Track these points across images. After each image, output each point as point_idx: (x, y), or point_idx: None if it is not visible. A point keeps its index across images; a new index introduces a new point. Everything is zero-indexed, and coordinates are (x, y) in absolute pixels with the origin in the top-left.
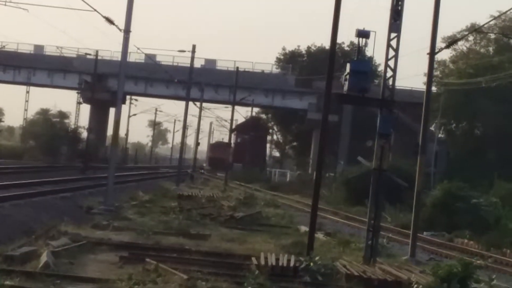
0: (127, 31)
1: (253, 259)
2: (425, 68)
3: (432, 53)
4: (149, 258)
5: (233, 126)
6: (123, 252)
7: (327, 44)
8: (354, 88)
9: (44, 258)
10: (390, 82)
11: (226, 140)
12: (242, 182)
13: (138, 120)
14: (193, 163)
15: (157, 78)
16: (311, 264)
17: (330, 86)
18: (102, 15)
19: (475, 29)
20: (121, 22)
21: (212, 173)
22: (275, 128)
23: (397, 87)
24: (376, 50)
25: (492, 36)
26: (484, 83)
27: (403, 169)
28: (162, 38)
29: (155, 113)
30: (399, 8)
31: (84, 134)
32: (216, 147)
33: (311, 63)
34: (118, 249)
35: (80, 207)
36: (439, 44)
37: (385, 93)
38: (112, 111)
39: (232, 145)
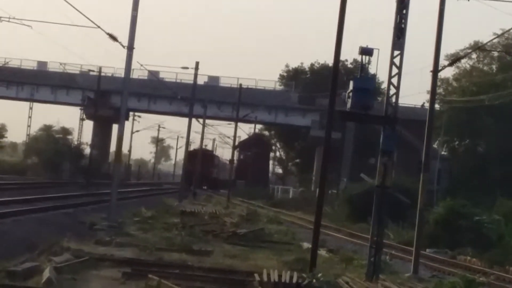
0: (130, 47)
1: (256, 275)
2: (428, 85)
3: (435, 70)
4: (151, 274)
5: (236, 143)
6: (126, 268)
7: (330, 61)
8: (357, 106)
9: (46, 274)
10: (393, 99)
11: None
12: (245, 199)
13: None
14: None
15: (160, 94)
16: (314, 280)
17: (333, 103)
18: (105, 32)
19: (478, 47)
20: (124, 38)
21: (190, 192)
22: (278, 145)
23: (400, 105)
24: (379, 68)
25: (495, 54)
26: (487, 101)
27: (406, 186)
28: (165, 55)
29: (158, 130)
30: (402, 26)
31: (87, 151)
32: (194, 156)
33: (314, 80)
34: (121, 265)
35: (83, 223)
36: (442, 62)
37: (388, 110)
38: (115, 127)
39: (235, 161)
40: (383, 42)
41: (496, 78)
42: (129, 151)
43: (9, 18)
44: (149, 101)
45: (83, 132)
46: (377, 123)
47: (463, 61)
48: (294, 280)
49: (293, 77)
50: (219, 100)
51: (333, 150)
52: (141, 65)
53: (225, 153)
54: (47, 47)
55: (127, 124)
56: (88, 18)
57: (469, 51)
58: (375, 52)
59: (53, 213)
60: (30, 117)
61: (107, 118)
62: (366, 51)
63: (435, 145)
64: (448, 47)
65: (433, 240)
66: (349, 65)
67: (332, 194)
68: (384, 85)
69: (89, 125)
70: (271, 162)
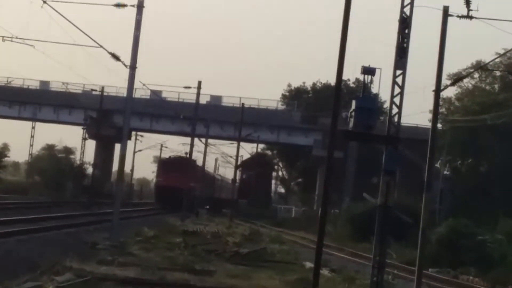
0: (133, 67)
1: None
2: (430, 105)
3: (438, 90)
4: None
5: (239, 163)
6: None
7: (332, 81)
8: (359, 125)
9: None
10: (396, 119)
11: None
12: (247, 218)
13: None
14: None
15: (162, 114)
16: None
17: (335, 122)
18: (108, 51)
19: (480, 67)
20: (127, 58)
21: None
22: (280, 164)
23: (402, 124)
24: (381, 87)
25: (498, 73)
26: (489, 120)
27: (408, 206)
28: (167, 74)
29: (161, 149)
30: (405, 45)
31: (90, 170)
32: (170, 167)
33: (316, 100)
34: (123, 284)
35: (85, 242)
36: (445, 81)
37: (390, 129)
38: (117, 147)
39: (237, 181)
40: (385, 62)
41: (498, 97)
42: (132, 170)
43: (12, 37)
44: (152, 120)
45: (86, 151)
46: (380, 142)
47: (465, 80)
48: None
49: (295, 96)
50: (222, 119)
51: (335, 170)
52: (144, 85)
53: (227, 172)
54: (50, 66)
55: (130, 144)
56: (90, 38)
57: (472, 70)
58: (377, 72)
59: (56, 232)
60: (32, 136)
61: (110, 138)
62: (368, 71)
63: (437, 165)
64: (450, 67)
65: (435, 260)
66: (351, 85)
67: (334, 214)
68: (387, 105)
69: (91, 144)
70: (273, 181)
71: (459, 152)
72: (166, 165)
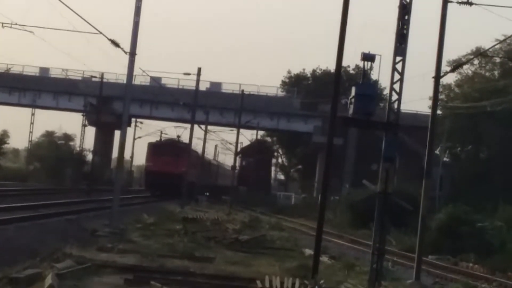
0: (132, 53)
1: (258, 282)
2: (430, 91)
3: (438, 76)
4: (154, 281)
5: (238, 149)
6: (128, 275)
7: (332, 68)
8: (359, 112)
9: (48, 280)
10: (395, 105)
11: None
12: (247, 205)
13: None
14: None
15: (162, 100)
16: (316, 287)
17: (335, 109)
18: (107, 38)
19: (480, 53)
20: (126, 44)
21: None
22: (280, 151)
23: (402, 111)
24: (381, 74)
25: (497, 60)
26: (489, 107)
27: (408, 193)
28: (167, 61)
29: (160, 136)
30: (404, 31)
31: (89, 157)
32: (160, 151)
33: (316, 86)
34: (123, 271)
35: (85, 229)
36: (444, 68)
37: (390, 116)
38: (117, 133)
39: (237, 168)
40: (385, 48)
41: (498, 84)
42: (131, 157)
43: (11, 24)
44: (151, 107)
45: (85, 138)
46: (379, 129)
47: (465, 67)
48: (297, 286)
49: (295, 83)
50: (221, 106)
51: (335, 156)
52: (143, 71)
53: (227, 159)
54: (49, 53)
55: (129, 131)
56: (90, 24)
57: (471, 57)
58: (377, 58)
59: (56, 219)
60: (32, 123)
61: (109, 124)
62: (368, 57)
63: (437, 151)
64: (450, 53)
65: (435, 247)
66: (351, 71)
67: (334, 201)
68: (386, 91)
69: (91, 131)
70: (273, 168)
71: (459, 138)
72: (156, 149)
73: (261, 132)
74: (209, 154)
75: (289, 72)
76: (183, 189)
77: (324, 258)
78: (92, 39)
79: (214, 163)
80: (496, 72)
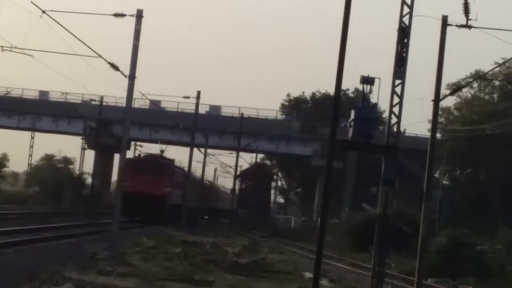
0: (132, 77)
1: None
2: (429, 114)
3: (437, 100)
4: None
5: (238, 172)
6: None
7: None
8: (358, 135)
9: None
10: (395, 128)
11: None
12: (247, 228)
13: None
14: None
15: (161, 124)
16: None
17: (334, 132)
18: (107, 61)
19: (479, 76)
20: (126, 68)
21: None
22: (279, 174)
23: (401, 134)
24: (380, 97)
25: (497, 83)
26: (488, 130)
27: (407, 215)
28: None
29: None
30: (404, 55)
31: (89, 180)
32: (139, 169)
33: (315, 110)
34: None
35: (85, 253)
36: (444, 91)
37: (389, 139)
38: (116, 157)
39: (237, 191)
40: (384, 71)
41: (497, 107)
42: None
43: (11, 47)
44: (151, 130)
45: (85, 161)
46: (379, 152)
47: (464, 90)
48: None
49: (294, 106)
50: (221, 129)
51: (334, 179)
52: (143, 95)
53: (226, 182)
54: (49, 76)
55: (129, 154)
56: (90, 48)
57: (470, 80)
58: (376, 81)
59: (55, 242)
60: (31, 146)
61: (109, 148)
62: (367, 80)
63: (436, 174)
64: (450, 76)
65: (435, 270)
66: (351, 94)
67: (333, 224)
68: (386, 114)
69: (90, 154)
70: (272, 191)
71: (458, 161)
72: (134, 166)
73: (260, 155)
74: (209, 178)
75: (288, 95)
76: (165, 212)
77: (324, 282)
78: (92, 63)
79: (213, 186)
80: (495, 95)
